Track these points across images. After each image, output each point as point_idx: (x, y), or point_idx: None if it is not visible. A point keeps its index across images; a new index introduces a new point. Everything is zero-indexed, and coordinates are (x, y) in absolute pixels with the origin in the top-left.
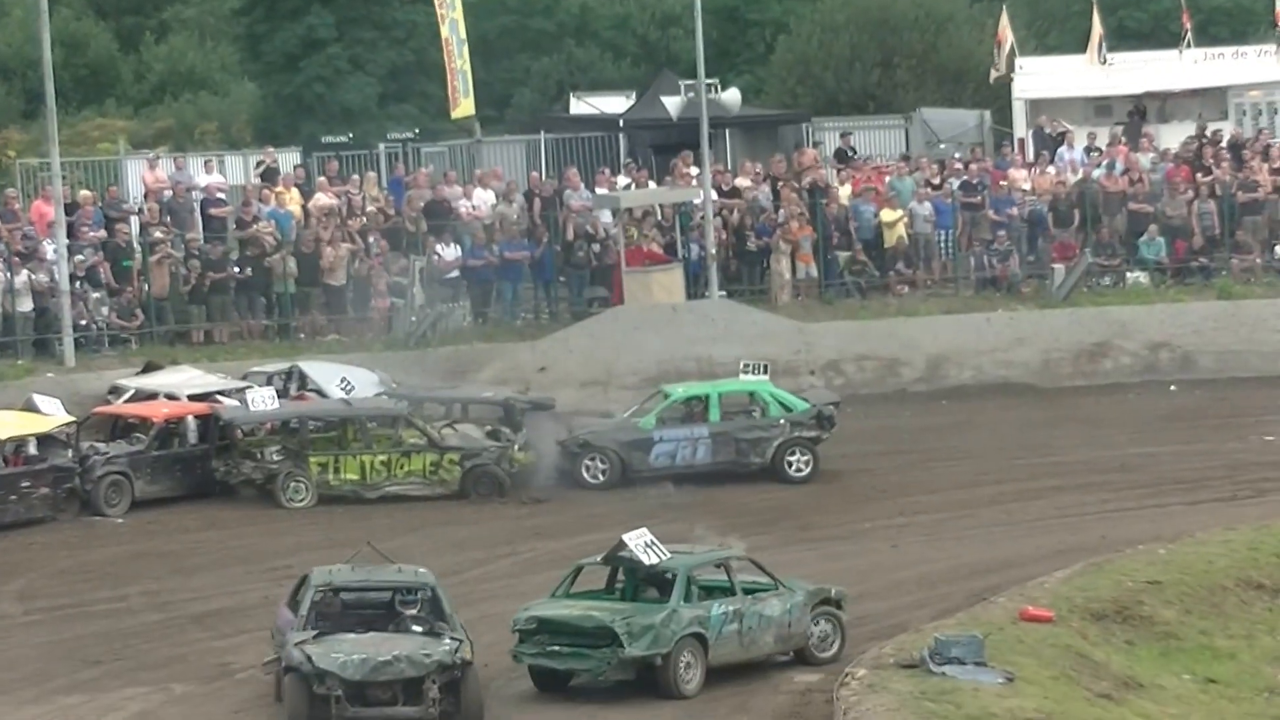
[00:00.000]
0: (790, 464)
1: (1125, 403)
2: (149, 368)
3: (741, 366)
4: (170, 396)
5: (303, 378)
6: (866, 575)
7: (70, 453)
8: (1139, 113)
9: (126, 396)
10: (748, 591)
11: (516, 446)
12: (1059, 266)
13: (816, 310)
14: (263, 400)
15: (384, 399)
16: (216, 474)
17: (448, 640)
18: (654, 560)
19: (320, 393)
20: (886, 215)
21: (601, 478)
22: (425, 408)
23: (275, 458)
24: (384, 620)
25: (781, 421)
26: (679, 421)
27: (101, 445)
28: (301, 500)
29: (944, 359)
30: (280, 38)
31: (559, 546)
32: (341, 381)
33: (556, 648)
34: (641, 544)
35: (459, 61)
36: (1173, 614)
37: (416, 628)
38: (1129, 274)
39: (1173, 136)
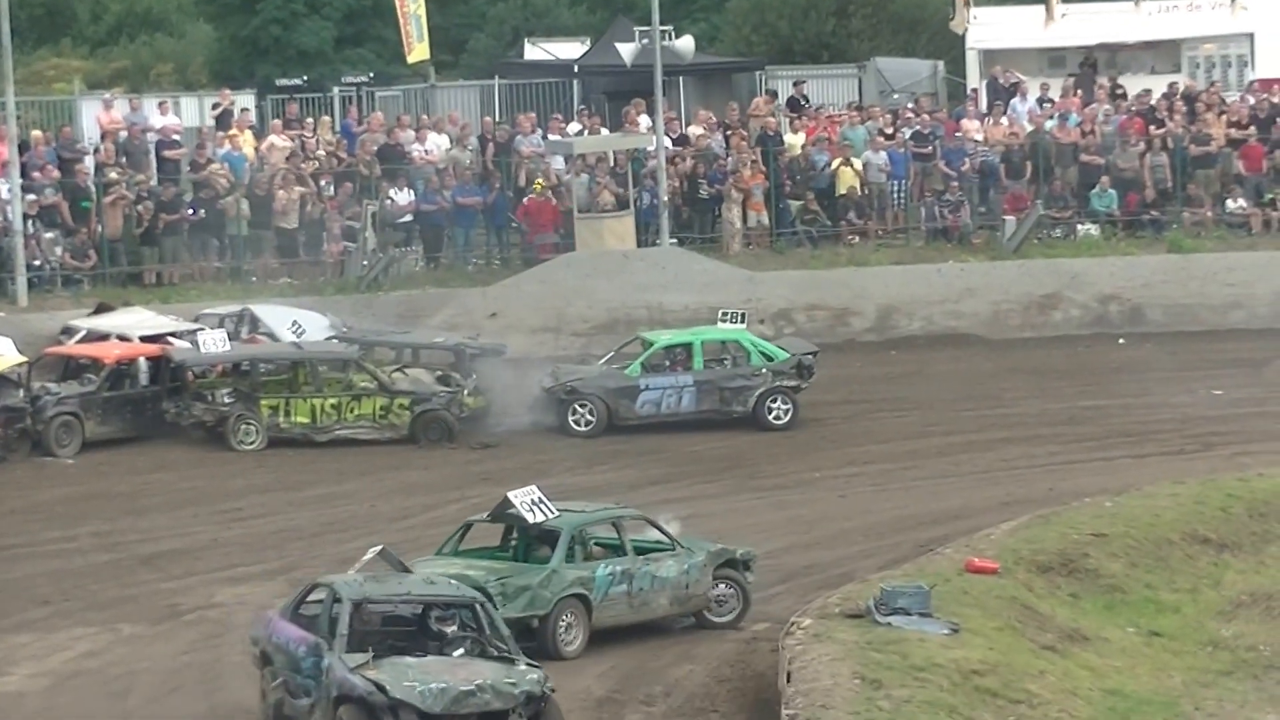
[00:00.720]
0: (771, 411)
1: (1074, 355)
2: (101, 308)
3: (720, 315)
4: (122, 338)
5: (254, 320)
6: (814, 524)
7: (21, 393)
8: (1090, 64)
9: (78, 337)
10: (640, 552)
11: (466, 391)
12: (1010, 218)
13: (767, 259)
14: (214, 342)
15: (335, 342)
16: (167, 415)
17: (525, 666)
18: (540, 518)
19: (272, 336)
20: (846, 170)
21: (589, 425)
22: (376, 352)
23: (226, 400)
24: (423, 640)
25: (764, 370)
26: (664, 369)
27: (53, 386)
28: (252, 443)
29: (894, 309)
30: None
31: (505, 491)
32: (293, 325)
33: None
34: (528, 501)
35: (413, 5)
36: (1118, 567)
37: (463, 648)
38: (1080, 226)
39: (1128, 89)
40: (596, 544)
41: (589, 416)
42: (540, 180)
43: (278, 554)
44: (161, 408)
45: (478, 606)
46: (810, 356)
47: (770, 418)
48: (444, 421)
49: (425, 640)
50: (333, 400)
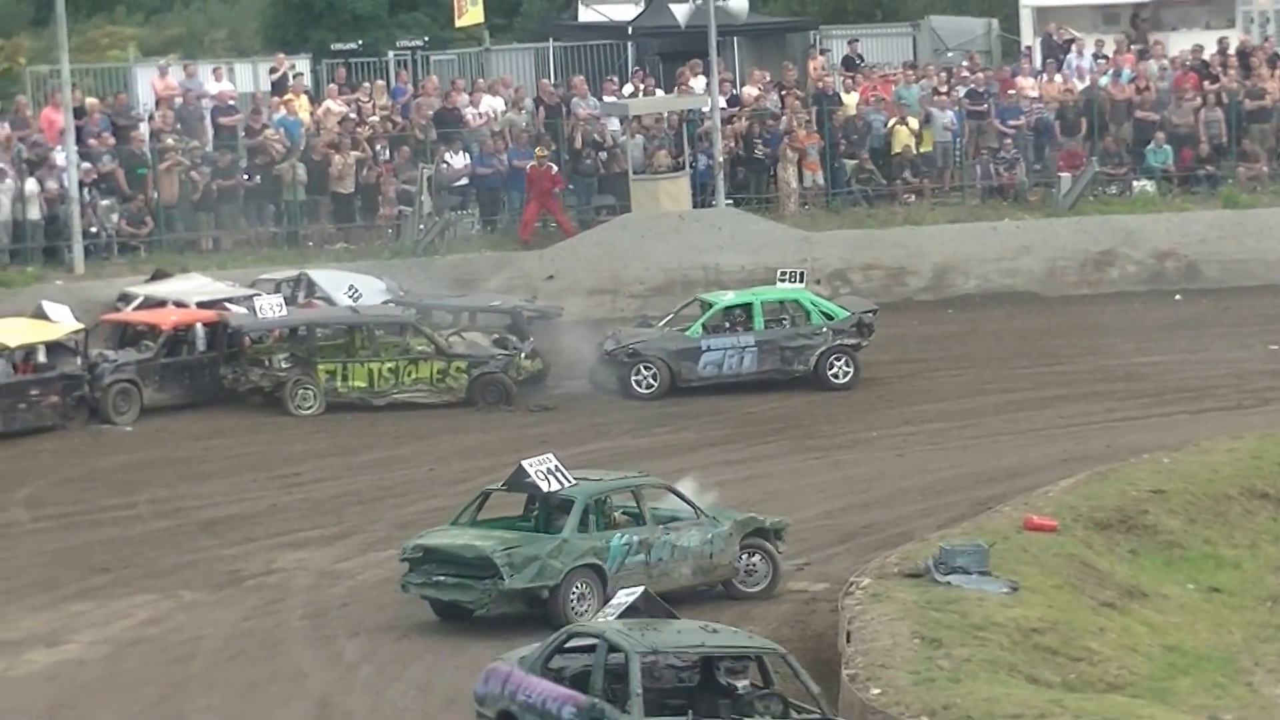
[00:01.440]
0: (832, 369)
1: (1130, 311)
2: (157, 275)
3: (779, 275)
4: (179, 304)
5: (311, 285)
6: (871, 484)
7: (79, 360)
8: (1143, 19)
9: (135, 304)
10: (660, 521)
11: (523, 354)
12: (1065, 175)
13: (823, 219)
14: (271, 307)
15: (392, 307)
16: (224, 381)
17: None
18: (554, 487)
19: (328, 300)
20: (902, 128)
21: (651, 387)
22: (433, 316)
23: (284, 365)
24: (711, 697)
25: (824, 329)
26: (725, 330)
27: (110, 353)
28: (310, 408)
29: (950, 268)
30: None
31: (564, 455)
32: (349, 289)
33: (441, 578)
34: (543, 470)
35: None
36: (1177, 523)
37: (764, 709)
38: (1135, 183)
39: (1180, 44)
40: (624, 513)
41: (651, 379)
42: (540, 149)
43: (336, 519)
44: (219, 373)
45: (778, 658)
46: (870, 315)
47: (831, 376)
48: (501, 384)
49: (714, 697)
50: (390, 364)
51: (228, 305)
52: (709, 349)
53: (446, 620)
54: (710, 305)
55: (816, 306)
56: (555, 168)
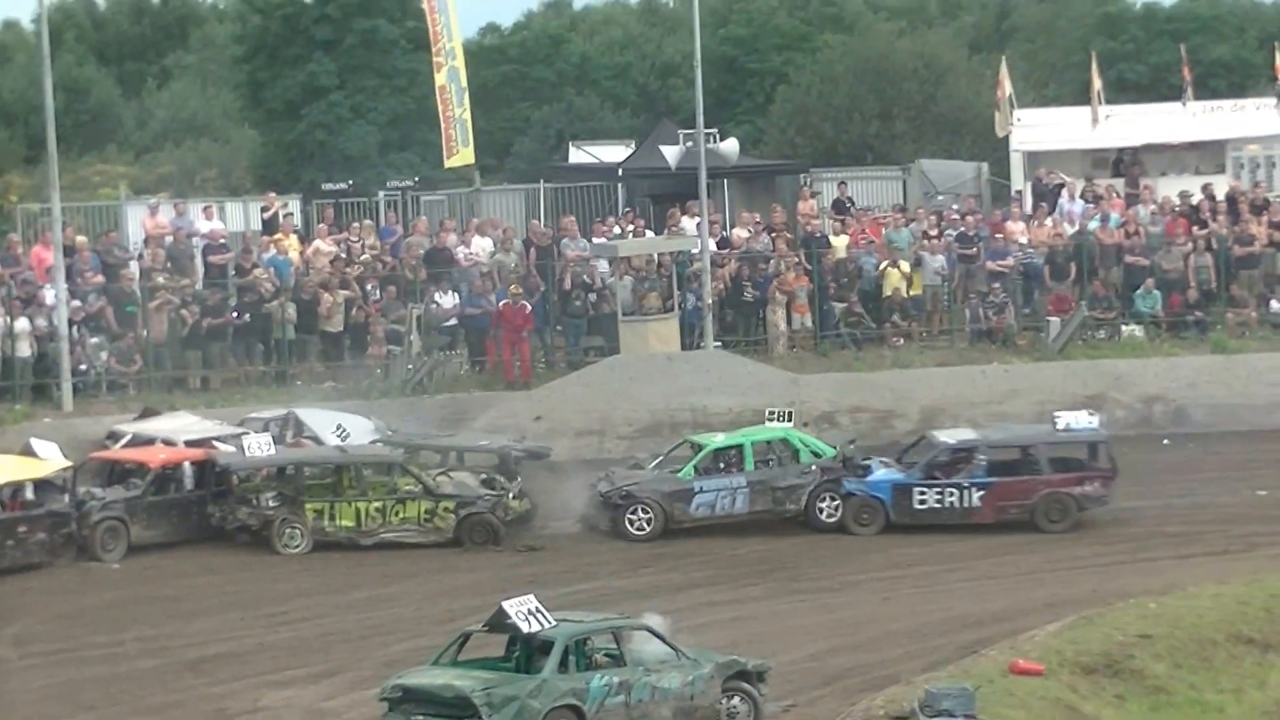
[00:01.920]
0: (821, 510)
1: (1119, 455)
2: (146, 413)
3: (768, 414)
4: (167, 442)
5: (299, 424)
6: (858, 627)
7: (67, 498)
8: (1135, 163)
9: (124, 441)
10: (639, 663)
11: (511, 494)
12: (1054, 319)
13: (811, 362)
14: (259, 446)
15: (380, 446)
16: (211, 519)
17: None
18: (535, 628)
19: (316, 439)
20: (893, 272)
21: (646, 529)
22: (420, 455)
23: (271, 504)
24: None
25: (814, 467)
26: (717, 472)
27: (98, 491)
28: (297, 546)
29: (938, 411)
30: (282, 85)
31: (552, 595)
32: (337, 429)
33: (420, 718)
34: (524, 611)
35: (458, 110)
36: (1163, 668)
37: None
38: (1124, 327)
39: (1170, 189)
40: (605, 655)
41: (645, 522)
42: (514, 286)
43: (324, 657)
44: (206, 511)
45: None
46: (850, 446)
47: (823, 517)
48: (489, 524)
49: None
50: (377, 504)
51: (215, 444)
52: (702, 490)
53: None
54: (701, 447)
55: (806, 445)
56: (529, 307)
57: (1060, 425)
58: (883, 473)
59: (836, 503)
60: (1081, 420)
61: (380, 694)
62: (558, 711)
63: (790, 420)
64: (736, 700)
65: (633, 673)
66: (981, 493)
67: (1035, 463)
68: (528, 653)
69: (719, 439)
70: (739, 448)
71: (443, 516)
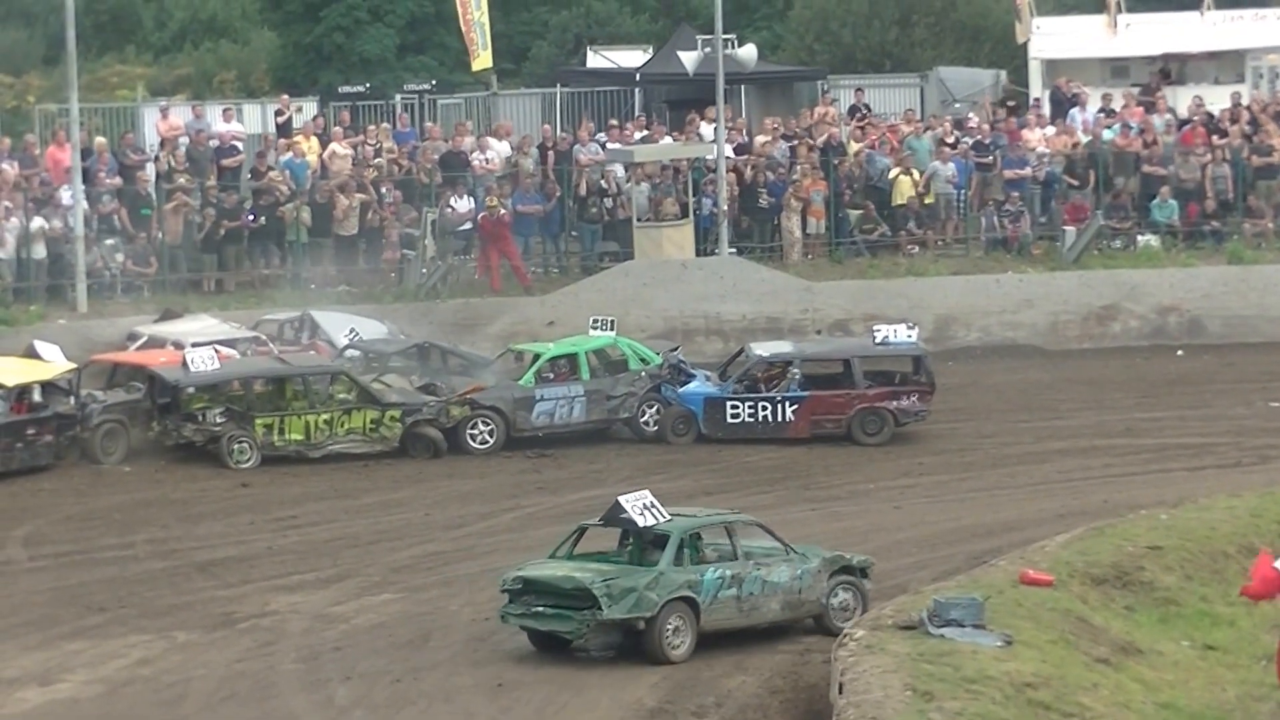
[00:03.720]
0: (644, 418)
1: (1132, 366)
2: (166, 315)
3: (591, 322)
4: (177, 346)
5: (314, 326)
6: (868, 535)
7: (72, 400)
8: (1164, 74)
9: (140, 343)
10: (751, 556)
11: (452, 401)
12: (1070, 228)
13: (826, 269)
14: (203, 360)
15: (315, 355)
16: (151, 436)
17: None
18: (650, 521)
19: (330, 342)
20: (905, 179)
21: (490, 440)
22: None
23: (219, 419)
24: None
25: (643, 374)
26: (555, 380)
27: (99, 393)
28: (247, 461)
29: (952, 319)
30: None
31: (562, 501)
32: (350, 332)
33: (540, 609)
34: (639, 505)
35: (476, 13)
36: (1173, 580)
37: None
38: (1140, 237)
39: (1189, 99)
40: (711, 549)
41: (487, 435)
42: (493, 199)
43: (332, 562)
44: (149, 428)
45: None
46: (674, 353)
47: (643, 423)
48: (428, 438)
49: None
50: (325, 415)
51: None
52: (542, 398)
53: (544, 651)
54: (524, 355)
55: (634, 352)
56: (506, 215)
57: (878, 339)
58: (696, 385)
59: (657, 410)
60: (901, 334)
61: (500, 585)
62: (673, 603)
63: (613, 328)
64: (844, 594)
65: (743, 566)
66: (795, 407)
67: (851, 377)
68: (641, 546)
69: (551, 348)
70: (572, 356)
71: (389, 426)
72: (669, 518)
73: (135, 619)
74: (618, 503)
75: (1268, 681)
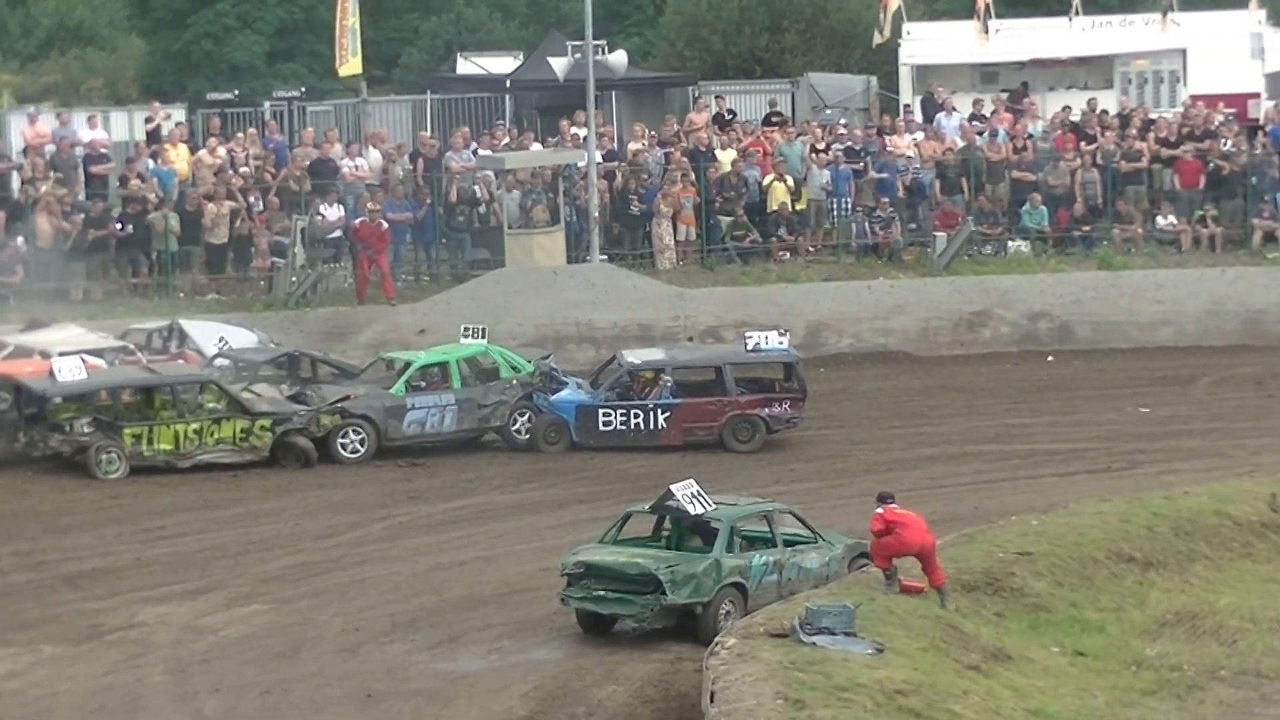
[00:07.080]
0: (515, 426)
1: (1003, 372)
2: (33, 324)
3: (462, 330)
4: (44, 355)
5: (182, 335)
6: None
7: None
8: (1025, 86)
9: (5, 353)
10: (788, 543)
11: (322, 410)
12: (941, 234)
13: (698, 276)
14: (70, 370)
15: (186, 365)
16: (16, 447)
17: None
18: (700, 510)
19: (199, 351)
20: (779, 186)
21: (361, 450)
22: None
23: (87, 429)
24: None
25: (514, 382)
26: (426, 389)
27: None
28: (116, 471)
29: (823, 326)
30: None
31: (433, 510)
32: (219, 340)
33: (602, 592)
34: (688, 494)
35: (350, 19)
36: (1043, 585)
37: None
38: (1010, 243)
39: (1058, 105)
40: (755, 537)
41: (358, 444)
42: (370, 203)
43: (201, 573)
44: (14, 438)
45: None
46: (545, 361)
47: (515, 432)
48: (298, 448)
49: None
50: (195, 425)
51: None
52: (414, 407)
53: (591, 634)
54: (395, 364)
55: (505, 360)
56: (385, 224)
57: (750, 346)
58: (568, 393)
59: (529, 418)
60: (772, 340)
61: (561, 570)
62: (726, 589)
63: (484, 336)
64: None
65: (783, 553)
66: (667, 414)
67: (723, 384)
68: (679, 533)
69: (422, 356)
70: (443, 365)
71: (259, 435)
72: (715, 506)
73: (2, 632)
74: (669, 490)
75: (1137, 688)
